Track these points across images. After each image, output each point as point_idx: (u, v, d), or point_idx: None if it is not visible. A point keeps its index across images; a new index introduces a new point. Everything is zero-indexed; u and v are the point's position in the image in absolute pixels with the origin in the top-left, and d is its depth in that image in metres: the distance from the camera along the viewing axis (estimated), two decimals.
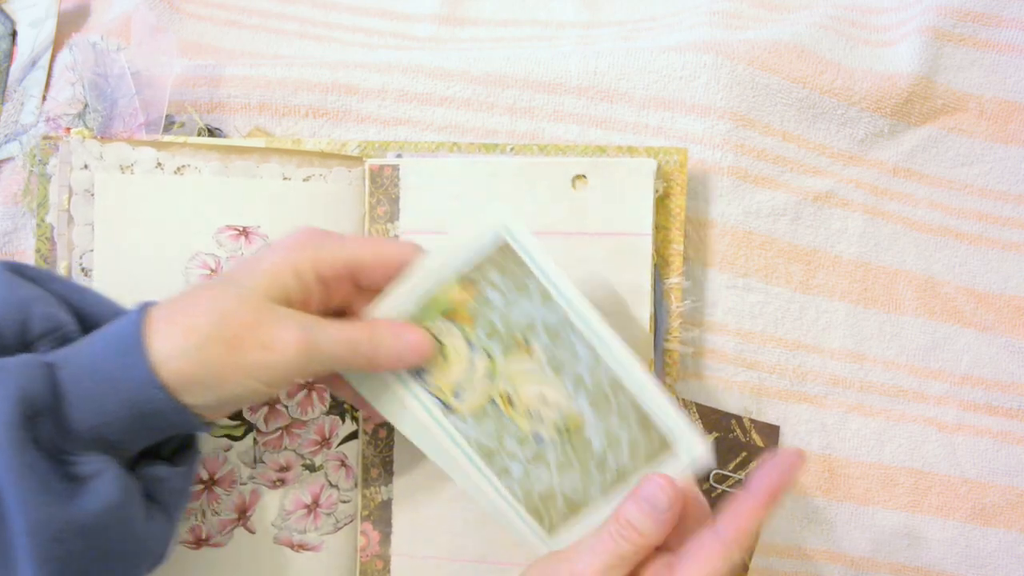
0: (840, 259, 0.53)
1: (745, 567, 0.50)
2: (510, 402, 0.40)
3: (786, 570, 0.51)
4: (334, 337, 0.38)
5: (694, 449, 0.38)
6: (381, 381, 0.41)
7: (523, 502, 0.40)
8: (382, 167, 0.49)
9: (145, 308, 0.37)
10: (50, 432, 0.34)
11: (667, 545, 0.38)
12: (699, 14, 0.56)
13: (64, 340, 0.38)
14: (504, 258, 0.40)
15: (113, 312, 0.41)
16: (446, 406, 0.41)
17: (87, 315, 0.41)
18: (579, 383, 0.39)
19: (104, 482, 0.35)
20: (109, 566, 0.36)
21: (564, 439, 0.40)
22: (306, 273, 0.38)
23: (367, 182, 0.49)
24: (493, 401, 0.41)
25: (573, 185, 0.48)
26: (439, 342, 0.40)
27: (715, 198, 0.51)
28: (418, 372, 0.41)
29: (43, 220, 0.48)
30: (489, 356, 0.40)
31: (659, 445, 0.39)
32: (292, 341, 0.36)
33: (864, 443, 0.52)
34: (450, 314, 0.40)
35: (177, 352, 0.35)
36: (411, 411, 0.41)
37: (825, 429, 0.52)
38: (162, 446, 0.41)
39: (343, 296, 0.41)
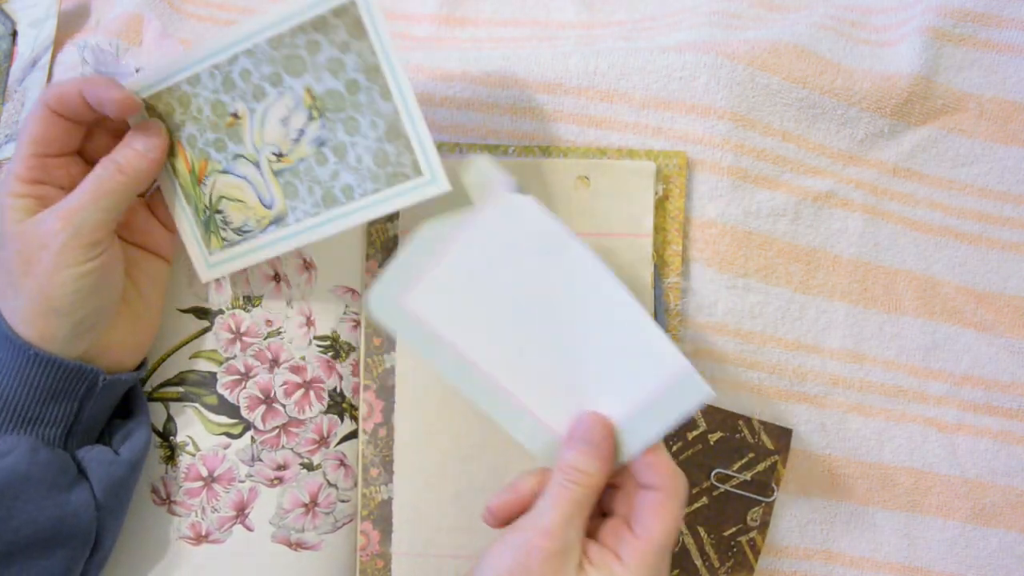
0: (840, 259, 0.53)
1: (751, 568, 0.49)
2: (281, 155, 0.44)
3: (786, 570, 0.51)
4: (78, 196, 0.41)
5: (440, 182, 0.41)
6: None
7: (384, 183, 0.43)
8: None
9: None
10: None
11: (611, 508, 0.40)
12: (699, 14, 0.56)
13: None
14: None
15: None
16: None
17: None
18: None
19: (8, 462, 0.39)
20: (18, 529, 0.39)
21: (323, 115, 0.43)
22: (17, 187, 0.41)
23: None
24: (278, 174, 0.44)
25: (575, 186, 0.48)
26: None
27: (715, 198, 0.51)
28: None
29: None
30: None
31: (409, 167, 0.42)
32: (52, 222, 0.40)
33: (864, 443, 0.52)
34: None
35: (13, 312, 0.40)
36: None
37: (825, 429, 0.52)
38: (114, 439, 0.44)
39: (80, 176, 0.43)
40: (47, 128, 0.41)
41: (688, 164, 0.50)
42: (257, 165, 0.44)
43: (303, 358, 0.49)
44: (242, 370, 0.48)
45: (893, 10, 0.57)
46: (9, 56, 0.56)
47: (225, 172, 0.44)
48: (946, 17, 0.54)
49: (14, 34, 0.57)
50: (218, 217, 0.45)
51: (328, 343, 0.49)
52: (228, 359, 0.48)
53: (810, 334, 0.52)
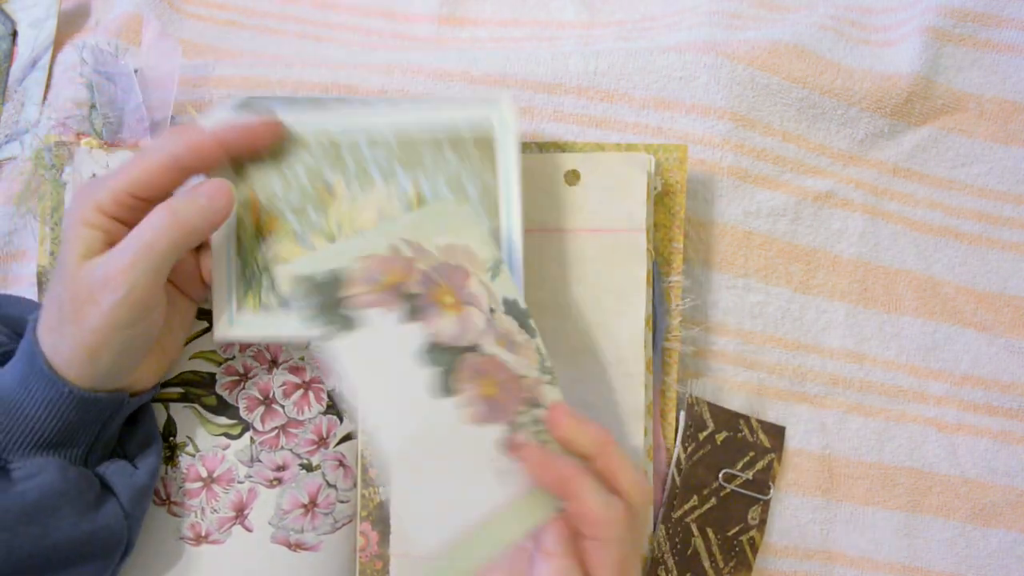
0: (840, 259, 0.53)
1: (750, 567, 0.49)
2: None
3: (786, 570, 0.51)
4: (132, 246, 0.38)
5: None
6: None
7: None
8: None
9: (35, 321, 0.41)
10: None
11: None
12: (699, 14, 0.56)
13: (8, 357, 0.42)
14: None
15: (30, 308, 0.46)
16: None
17: (13, 318, 0.45)
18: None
19: (42, 480, 0.39)
20: (56, 546, 0.40)
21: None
22: (95, 218, 0.39)
23: None
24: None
25: (567, 181, 0.47)
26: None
27: (715, 198, 0.51)
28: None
29: (57, 225, 0.49)
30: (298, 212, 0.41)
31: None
32: (104, 277, 0.38)
33: (864, 443, 0.52)
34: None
35: (54, 350, 0.39)
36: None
37: (825, 429, 0.52)
38: (127, 448, 0.45)
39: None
40: (160, 176, 0.39)
41: (689, 161, 0.50)
42: (333, 243, 0.42)
43: (302, 359, 0.49)
44: (241, 371, 0.48)
45: (893, 10, 0.57)
46: (9, 56, 0.56)
47: (295, 238, 0.42)
48: (946, 17, 0.54)
49: (14, 34, 0.57)
50: (266, 279, 0.43)
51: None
52: (227, 360, 0.48)
53: (810, 334, 0.52)
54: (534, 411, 0.37)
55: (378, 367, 0.36)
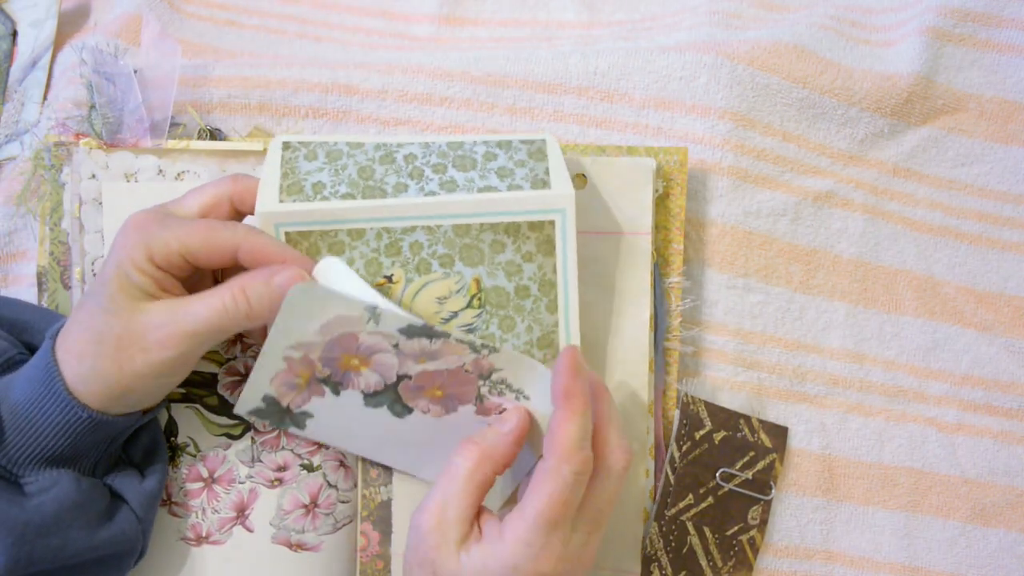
0: (840, 259, 0.53)
1: (750, 567, 0.50)
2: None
3: (786, 570, 0.51)
4: (202, 314, 0.38)
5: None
6: None
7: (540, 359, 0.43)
8: None
9: (54, 338, 0.40)
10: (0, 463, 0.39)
11: None
12: (699, 14, 0.56)
13: (11, 365, 0.42)
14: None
15: (41, 317, 0.45)
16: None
17: (19, 323, 0.45)
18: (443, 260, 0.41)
19: (57, 492, 0.39)
20: (75, 555, 0.40)
21: (483, 307, 0.42)
22: (144, 264, 0.38)
23: None
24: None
25: (573, 185, 0.47)
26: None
27: (715, 198, 0.51)
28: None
29: (56, 225, 0.49)
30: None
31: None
32: (164, 336, 0.38)
33: (864, 443, 0.52)
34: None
35: (80, 378, 0.39)
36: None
37: (825, 429, 0.52)
38: (131, 453, 0.45)
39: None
40: (214, 257, 0.39)
41: (689, 161, 0.50)
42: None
43: None
44: (242, 371, 0.48)
45: (893, 10, 0.57)
46: (9, 56, 0.56)
47: None
48: (946, 17, 0.54)
49: (14, 34, 0.57)
50: None
51: None
52: (229, 360, 0.48)
53: (810, 334, 0.52)
54: (492, 377, 0.41)
55: (346, 426, 0.44)
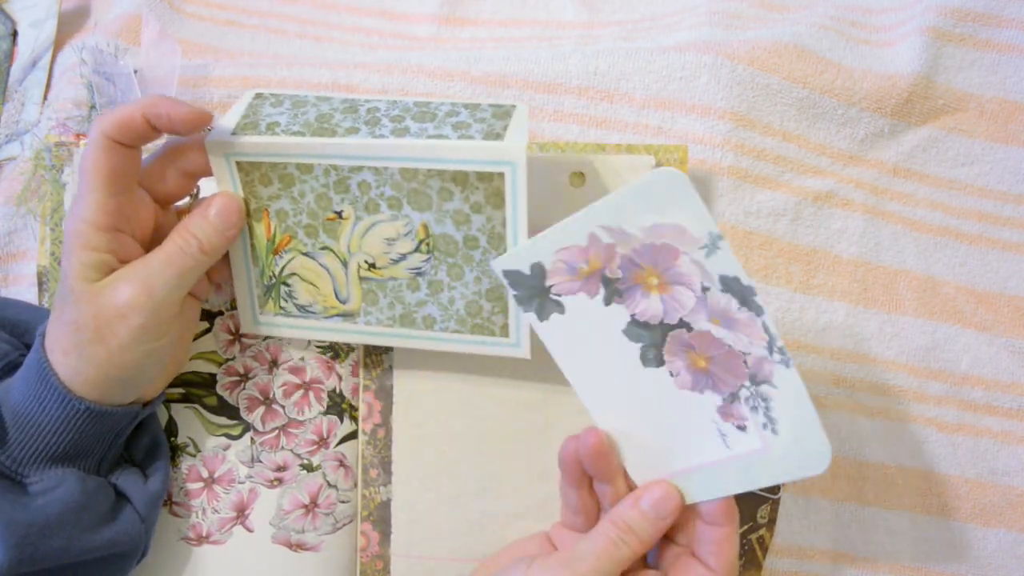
0: (840, 259, 0.53)
1: (759, 566, 0.50)
2: (373, 266, 0.43)
3: (786, 570, 0.51)
4: (159, 264, 0.39)
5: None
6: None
7: (467, 329, 0.43)
8: None
9: (43, 336, 0.40)
10: (4, 463, 0.40)
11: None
12: (699, 14, 0.56)
13: (13, 367, 0.43)
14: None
15: (42, 318, 0.45)
16: (345, 315, 0.44)
17: (20, 325, 0.45)
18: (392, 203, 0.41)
19: (62, 492, 0.39)
20: (80, 555, 0.40)
21: (431, 253, 0.42)
22: (91, 236, 0.39)
23: None
24: (363, 279, 0.43)
25: (571, 183, 0.47)
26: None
27: (715, 198, 0.51)
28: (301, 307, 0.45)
29: (57, 226, 0.49)
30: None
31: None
32: (132, 296, 0.38)
33: (864, 443, 0.52)
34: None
35: (72, 370, 0.39)
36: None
37: (826, 429, 0.51)
38: (133, 452, 0.45)
39: (150, 219, 0.42)
40: (115, 162, 0.38)
41: (689, 160, 0.50)
42: (344, 264, 0.43)
43: (302, 359, 0.49)
44: (241, 371, 0.48)
45: (893, 10, 0.57)
46: (9, 56, 0.56)
47: (307, 255, 0.43)
48: (946, 17, 0.54)
49: (14, 34, 0.57)
50: (284, 289, 0.45)
51: (327, 344, 0.49)
52: (227, 360, 0.49)
53: (810, 334, 0.52)
54: (759, 388, 0.38)
55: (586, 343, 0.40)
